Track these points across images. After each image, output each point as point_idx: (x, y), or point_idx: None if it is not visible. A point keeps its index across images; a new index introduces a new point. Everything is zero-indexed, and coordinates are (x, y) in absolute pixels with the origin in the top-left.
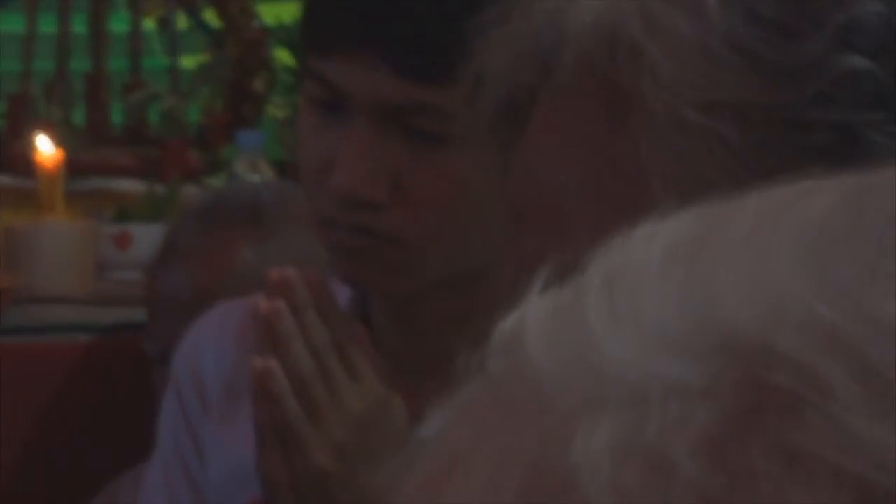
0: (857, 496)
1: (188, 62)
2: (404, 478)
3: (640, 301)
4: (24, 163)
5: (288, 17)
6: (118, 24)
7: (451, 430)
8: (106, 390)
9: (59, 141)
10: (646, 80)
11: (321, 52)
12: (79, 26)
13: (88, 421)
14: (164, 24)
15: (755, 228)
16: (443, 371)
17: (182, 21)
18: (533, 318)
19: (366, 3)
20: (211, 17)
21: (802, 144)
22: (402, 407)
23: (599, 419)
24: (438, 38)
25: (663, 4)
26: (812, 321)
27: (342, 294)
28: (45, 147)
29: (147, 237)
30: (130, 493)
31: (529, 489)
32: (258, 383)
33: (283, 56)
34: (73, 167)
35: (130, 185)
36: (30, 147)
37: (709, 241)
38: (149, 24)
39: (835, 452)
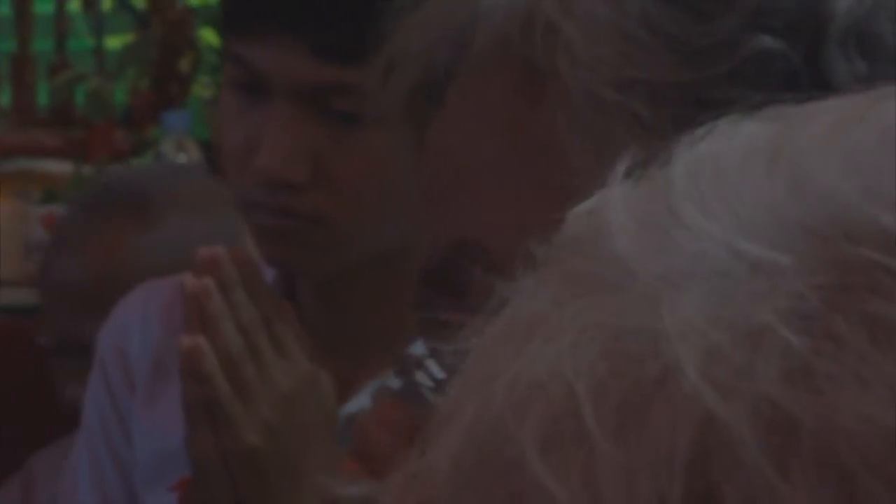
0: None
1: (113, 42)
2: (478, 338)
3: (725, 186)
4: None
5: None
6: (43, 5)
7: (530, 296)
8: (36, 370)
9: None
10: (561, 58)
11: (240, 36)
12: (3, 7)
13: (19, 399)
14: (89, 4)
15: (838, 124)
16: (369, 349)
17: (107, 1)
18: (615, 200)
19: None
20: None
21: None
22: (330, 384)
23: (687, 288)
24: (353, 17)
25: None
26: None
27: (267, 274)
28: None
29: None
30: (47, 469)
31: (612, 351)
32: (186, 362)
33: (208, 36)
34: (2, 149)
35: (57, 167)
36: None
37: (790, 134)
38: (73, 4)
39: None
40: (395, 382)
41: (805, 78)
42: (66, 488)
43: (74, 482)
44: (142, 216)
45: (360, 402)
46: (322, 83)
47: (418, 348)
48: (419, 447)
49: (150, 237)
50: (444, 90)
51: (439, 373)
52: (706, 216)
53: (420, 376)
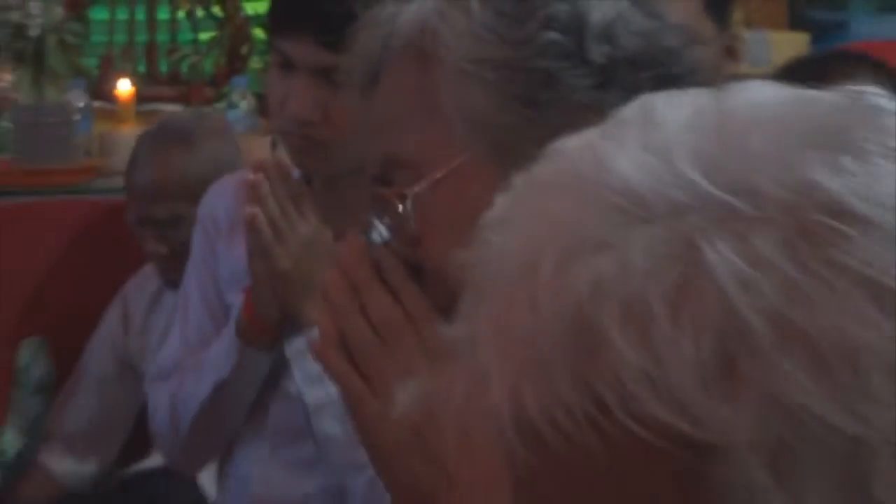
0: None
1: (203, 36)
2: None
3: (682, 141)
4: (111, 95)
5: (262, 10)
6: (163, 14)
7: (559, 210)
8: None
9: (131, 82)
10: (440, 48)
11: (276, 33)
12: (139, 15)
13: (119, 255)
14: (190, 13)
15: (777, 113)
16: (355, 223)
17: (200, 11)
18: (612, 143)
19: (301, 3)
20: (216, 9)
21: (530, 80)
22: (331, 237)
23: (712, 231)
24: (343, 23)
25: (449, 9)
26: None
27: (294, 173)
28: (123, 86)
29: None
30: (134, 292)
31: (664, 263)
32: (248, 221)
33: (258, 33)
34: (139, 98)
35: (172, 109)
36: (114, 85)
37: (730, 113)
38: (181, 13)
39: (874, 270)
40: (361, 237)
41: (577, 58)
42: (181, 305)
43: (186, 299)
44: (187, 143)
45: None
46: (325, 64)
47: (371, 217)
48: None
49: (193, 156)
50: (378, 73)
51: (385, 232)
52: (700, 171)
53: (373, 234)
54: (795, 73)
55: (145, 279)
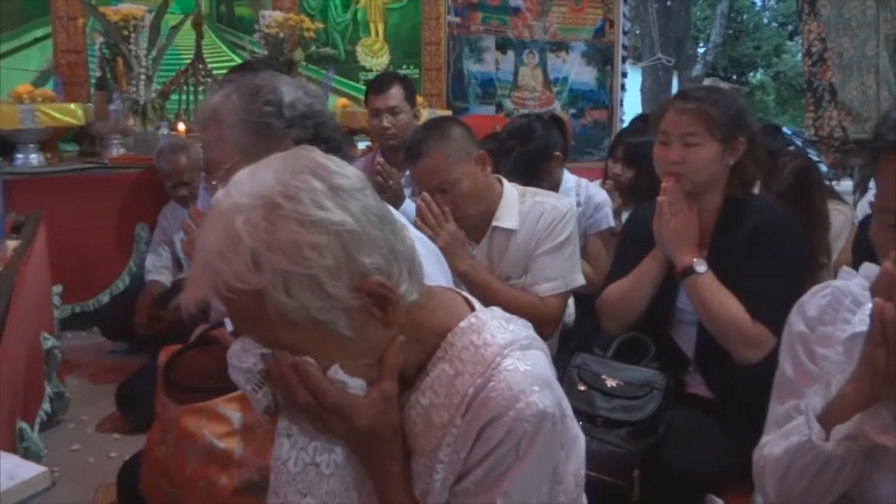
0: None
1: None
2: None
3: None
4: (176, 129)
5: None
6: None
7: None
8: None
9: (184, 124)
10: (222, 115)
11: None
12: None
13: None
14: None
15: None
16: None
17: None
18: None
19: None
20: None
21: (257, 126)
22: None
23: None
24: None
25: (225, 98)
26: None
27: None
28: (182, 126)
29: None
30: (166, 216)
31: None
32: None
33: None
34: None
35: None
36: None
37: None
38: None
39: (307, 217)
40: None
41: (279, 115)
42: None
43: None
44: (190, 149)
45: None
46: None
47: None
48: None
49: (192, 156)
50: (206, 125)
51: (221, 184)
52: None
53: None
54: None
55: (170, 207)
